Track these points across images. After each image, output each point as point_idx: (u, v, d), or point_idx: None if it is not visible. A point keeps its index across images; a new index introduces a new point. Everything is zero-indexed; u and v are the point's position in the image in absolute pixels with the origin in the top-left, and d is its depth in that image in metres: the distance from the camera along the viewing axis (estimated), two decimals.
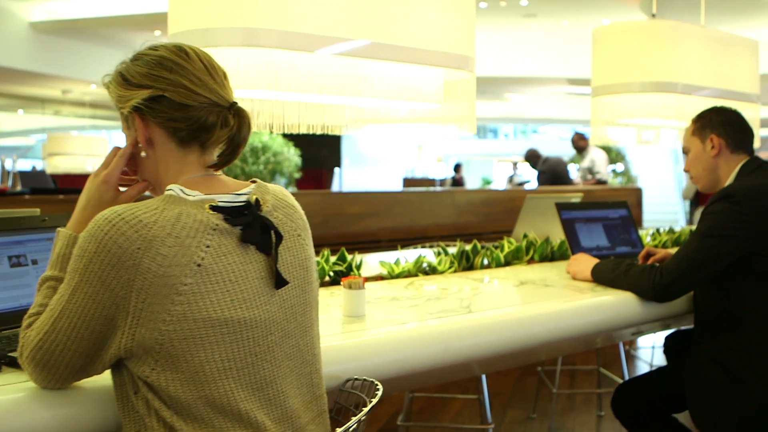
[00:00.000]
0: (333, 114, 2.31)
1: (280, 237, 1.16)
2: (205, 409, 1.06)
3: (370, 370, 1.48)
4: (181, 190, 1.12)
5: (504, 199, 5.74)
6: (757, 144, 3.41)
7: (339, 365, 1.46)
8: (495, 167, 25.79)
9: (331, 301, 1.91)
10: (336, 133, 2.37)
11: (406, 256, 2.41)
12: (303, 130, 2.29)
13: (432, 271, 2.39)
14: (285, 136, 9.55)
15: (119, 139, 24.31)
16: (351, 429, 1.12)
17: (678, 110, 3.04)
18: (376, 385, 1.30)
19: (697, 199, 7.40)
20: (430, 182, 14.49)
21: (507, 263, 2.61)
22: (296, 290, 1.18)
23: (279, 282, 1.14)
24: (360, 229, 4.98)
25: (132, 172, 1.25)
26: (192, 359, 1.05)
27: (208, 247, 1.07)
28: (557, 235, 2.67)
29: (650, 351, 4.82)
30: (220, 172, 1.22)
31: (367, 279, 2.28)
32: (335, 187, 14.69)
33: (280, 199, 1.23)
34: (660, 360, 4.43)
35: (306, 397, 1.19)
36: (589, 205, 2.57)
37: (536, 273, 2.43)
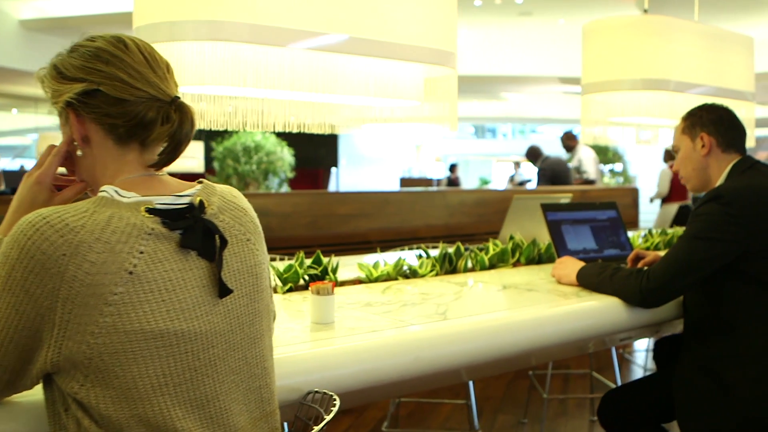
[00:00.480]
0: (310, 112, 2.22)
1: (224, 242, 1.07)
2: (138, 429, 0.97)
3: (333, 381, 1.39)
4: (116, 191, 1.03)
5: (497, 199, 5.64)
6: (752, 143, 3.33)
7: (300, 377, 1.37)
8: (494, 167, 25.70)
9: (303, 307, 1.82)
10: (315, 131, 2.28)
11: (386, 259, 2.32)
12: (279, 128, 2.21)
13: (413, 274, 2.31)
14: (278, 135, 9.45)
15: None
16: None
17: (670, 108, 2.95)
18: (333, 398, 1.21)
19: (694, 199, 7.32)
20: (428, 182, 14.41)
21: (492, 266, 2.52)
22: (244, 299, 1.10)
23: (223, 290, 1.05)
24: (350, 230, 4.90)
25: (70, 172, 1.17)
26: (124, 375, 0.97)
27: (141, 253, 0.99)
28: (545, 237, 2.59)
29: (645, 355, 4.73)
30: (163, 172, 1.14)
31: (344, 283, 2.20)
32: (332, 187, 14.62)
33: (229, 201, 1.14)
34: None
35: (254, 413, 1.10)
36: (576, 206, 2.48)
37: (521, 277, 2.35)
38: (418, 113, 2.25)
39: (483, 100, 13.27)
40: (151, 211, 1.02)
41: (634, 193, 6.82)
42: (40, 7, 7.48)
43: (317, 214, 4.75)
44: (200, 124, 2.08)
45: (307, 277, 2.11)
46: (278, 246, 4.62)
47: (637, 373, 4.53)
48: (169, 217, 1.03)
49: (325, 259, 2.13)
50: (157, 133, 1.08)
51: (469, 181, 21.01)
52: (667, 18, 2.93)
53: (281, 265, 2.08)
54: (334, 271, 2.13)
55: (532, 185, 10.61)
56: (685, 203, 7.57)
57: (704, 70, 3.01)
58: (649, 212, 8.59)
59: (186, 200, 1.08)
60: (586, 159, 7.57)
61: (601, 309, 1.94)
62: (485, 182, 19.54)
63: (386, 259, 2.33)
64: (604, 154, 13.22)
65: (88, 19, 7.25)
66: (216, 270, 1.05)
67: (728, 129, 2.10)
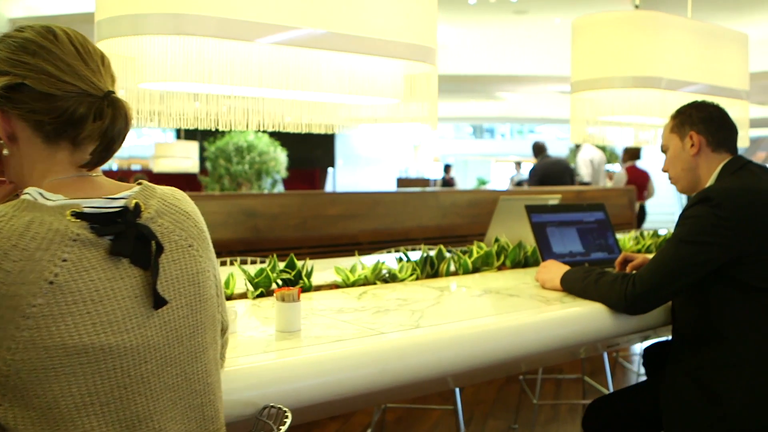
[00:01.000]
0: (289, 110, 2.14)
1: (160, 248, 0.99)
2: None
3: (293, 395, 1.31)
4: (40, 193, 0.95)
5: (491, 200, 5.55)
6: (745, 143, 3.24)
7: (257, 390, 1.29)
8: (493, 167, 25.59)
9: (272, 314, 1.74)
10: (291, 130, 2.20)
11: (365, 263, 2.24)
12: (253, 127, 2.12)
13: (392, 278, 2.22)
14: (273, 135, 9.35)
15: None
16: None
17: (662, 107, 2.86)
18: (285, 413, 1.13)
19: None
20: (425, 182, 14.33)
21: (476, 270, 2.44)
22: (184, 309, 1.01)
23: (157, 301, 0.97)
24: (339, 231, 4.81)
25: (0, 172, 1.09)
26: (44, 394, 0.89)
27: (64, 261, 0.90)
28: (531, 240, 2.50)
29: (640, 359, 4.64)
30: (97, 173, 1.05)
31: (320, 288, 2.12)
32: (328, 187, 14.53)
33: (170, 204, 1.06)
34: None
35: None
36: (562, 208, 2.39)
37: (504, 281, 2.26)
38: (397, 112, 2.16)
39: (480, 100, 13.17)
40: (79, 215, 0.94)
41: (630, 194, 6.73)
42: (30, 5, 7.41)
43: (306, 215, 4.67)
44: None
45: (280, 282, 2.03)
46: (266, 248, 4.54)
47: (632, 378, 4.44)
48: (98, 221, 0.95)
49: (299, 263, 2.05)
50: (88, 130, 1.00)
51: (467, 182, 20.93)
52: (658, 14, 2.84)
53: (252, 269, 2.00)
54: (309, 275, 2.05)
55: None
56: (641, 203, 7.59)
57: (697, 67, 2.92)
58: (652, 212, 8.51)
59: (120, 203, 1.00)
60: (580, 161, 7.47)
61: (585, 316, 1.86)
62: (483, 182, 19.42)
63: (365, 263, 2.25)
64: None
65: (78, 17, 7.17)
66: (151, 279, 0.97)
67: (719, 128, 2.02)
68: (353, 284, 2.13)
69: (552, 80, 9.22)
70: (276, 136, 9.56)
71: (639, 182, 7.67)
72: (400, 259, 2.32)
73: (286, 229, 4.55)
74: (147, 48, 1.76)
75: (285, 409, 1.16)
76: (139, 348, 0.95)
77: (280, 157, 9.15)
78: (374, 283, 2.17)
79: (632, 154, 7.87)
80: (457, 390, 2.74)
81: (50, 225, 0.91)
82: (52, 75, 0.98)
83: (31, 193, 0.95)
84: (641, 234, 3.14)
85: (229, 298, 1.94)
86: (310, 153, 13.80)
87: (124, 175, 10.49)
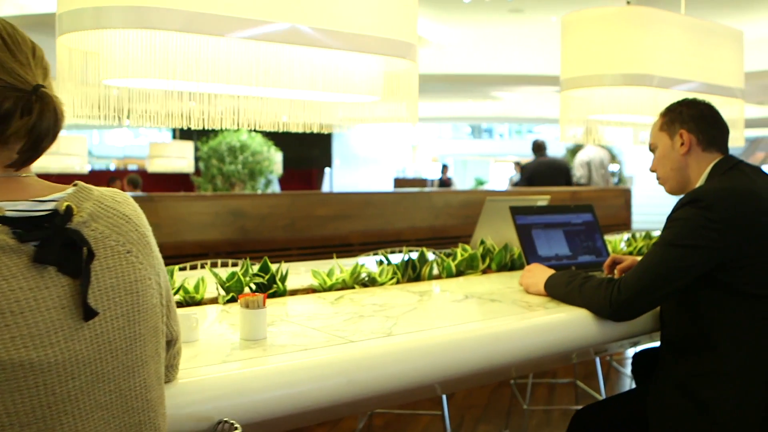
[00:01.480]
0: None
1: (92, 254, 0.91)
2: None
3: (250, 408, 1.24)
4: None
5: (484, 200, 5.48)
6: (740, 143, 3.17)
7: (212, 403, 1.21)
8: (491, 167, 25.50)
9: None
10: (268, 129, 2.13)
11: (344, 266, 2.16)
12: (227, 125, 2.05)
13: (372, 282, 2.15)
14: (267, 135, 9.27)
15: (98, 137, 23.97)
16: None
17: (654, 105, 2.78)
18: (235, 426, 1.06)
19: None
20: (422, 182, 14.25)
21: (460, 273, 2.36)
22: (119, 321, 0.94)
23: (88, 312, 0.89)
24: (329, 233, 4.73)
25: None
26: None
27: None
28: (518, 242, 2.42)
29: None
30: (28, 172, 0.98)
31: (296, 292, 2.04)
32: (326, 187, 14.46)
33: (107, 206, 0.98)
34: None
35: None
36: (548, 209, 2.31)
37: (488, 285, 2.18)
38: (376, 110, 2.09)
39: (477, 100, 13.08)
40: (0, 219, 0.87)
41: (626, 194, 6.66)
42: (20, 3, 7.34)
43: (295, 216, 4.59)
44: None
45: (253, 286, 1.95)
46: (253, 249, 4.47)
47: (625, 382, 4.36)
48: (21, 226, 0.87)
49: (273, 266, 1.97)
50: (15, 127, 0.92)
51: (466, 182, 20.85)
52: (651, 9, 2.76)
53: (224, 273, 1.93)
54: (283, 279, 1.97)
55: None
56: None
57: (690, 64, 2.84)
58: (645, 213, 8.42)
59: (50, 206, 0.92)
60: (576, 161, 7.39)
61: (569, 322, 1.78)
62: (480, 183, 19.32)
63: (344, 266, 2.17)
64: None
65: None
66: (81, 288, 0.89)
67: (709, 126, 1.94)
68: (330, 288, 2.05)
69: (548, 80, 9.13)
70: (273, 136, 9.48)
71: None
72: (381, 262, 2.25)
73: (275, 230, 4.48)
74: (110, 43, 1.69)
75: (236, 424, 1.09)
76: (66, 363, 0.87)
77: (273, 156, 9.06)
78: (353, 288, 2.10)
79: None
80: (444, 396, 2.67)
81: None
82: None
83: None
84: (633, 236, 3.06)
85: (199, 303, 1.87)
86: (307, 153, 13.73)
87: (122, 176, 10.40)
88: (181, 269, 2.52)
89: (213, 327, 1.62)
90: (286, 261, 2.14)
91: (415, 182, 14.59)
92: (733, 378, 1.70)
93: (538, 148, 7.41)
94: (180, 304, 1.84)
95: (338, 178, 14.73)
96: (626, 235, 3.18)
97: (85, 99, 1.77)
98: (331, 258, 2.38)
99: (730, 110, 3.10)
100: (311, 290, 2.06)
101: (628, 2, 3.01)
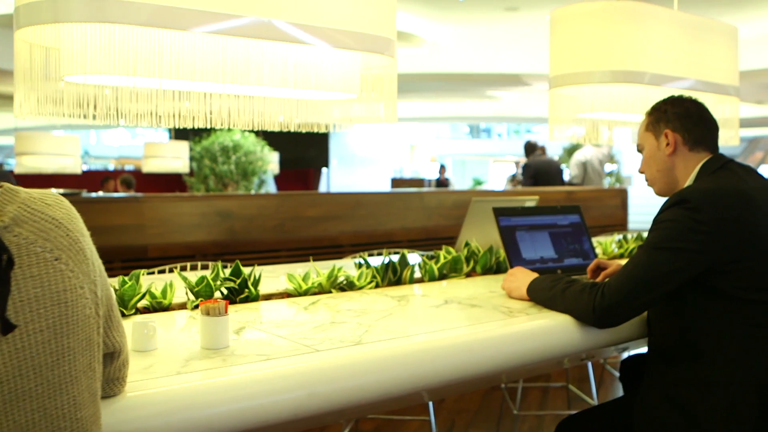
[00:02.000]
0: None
1: (11, 262, 0.84)
2: None
3: (203, 423, 1.16)
4: None
5: None
6: (736, 142, 3.09)
7: (163, 418, 1.14)
8: (490, 167, 25.41)
9: None
10: (243, 127, 2.05)
11: (320, 269, 2.09)
12: (200, 124, 1.97)
13: (350, 287, 2.07)
14: (259, 134, 9.19)
15: (96, 137, 23.88)
16: None
17: (645, 104, 2.69)
18: None
19: None
20: (419, 182, 14.17)
21: (443, 277, 2.29)
22: (43, 334, 0.86)
23: (5, 326, 0.82)
24: (319, 234, 4.66)
25: None
26: None
27: None
28: None
29: None
30: None
31: (271, 296, 1.97)
32: (322, 187, 14.38)
33: (33, 210, 0.91)
34: None
35: None
36: (534, 210, 2.23)
37: (471, 289, 2.11)
38: (352, 108, 2.01)
39: (475, 99, 12.99)
40: None
41: (623, 195, 6.58)
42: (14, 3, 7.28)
43: (284, 217, 4.52)
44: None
45: (224, 290, 1.88)
46: (242, 251, 4.39)
47: (619, 387, 4.28)
48: None
49: (245, 270, 1.90)
50: None
51: (465, 182, 20.77)
52: (642, 4, 2.68)
53: (193, 277, 1.85)
54: (255, 283, 1.90)
55: None
56: None
57: (683, 61, 2.77)
58: (642, 213, 8.33)
59: None
60: (571, 161, 7.32)
61: (551, 329, 1.70)
62: (479, 183, 19.23)
63: (325, 269, 2.10)
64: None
65: None
66: None
67: (696, 124, 1.86)
68: (306, 293, 1.98)
69: (544, 78, 9.03)
70: (269, 136, 9.40)
71: None
72: (360, 265, 2.17)
73: (264, 232, 4.40)
74: (69, 38, 1.61)
75: None
76: None
77: (267, 156, 8.98)
78: (329, 292, 2.02)
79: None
80: (431, 403, 2.60)
81: None
82: None
83: None
84: (624, 237, 2.99)
85: (167, 309, 1.80)
86: (304, 153, 13.65)
87: (116, 176, 10.33)
88: (169, 271, 2.45)
89: (176, 335, 1.55)
90: (274, 263, 2.07)
91: (412, 182, 14.51)
92: (722, 388, 1.63)
93: (533, 147, 7.35)
94: (146, 310, 1.77)
95: (335, 179, 14.65)
96: (618, 236, 3.10)
97: (46, 96, 1.70)
98: (321, 260, 2.32)
99: (724, 108, 3.02)
100: (286, 294, 1.99)
101: None
